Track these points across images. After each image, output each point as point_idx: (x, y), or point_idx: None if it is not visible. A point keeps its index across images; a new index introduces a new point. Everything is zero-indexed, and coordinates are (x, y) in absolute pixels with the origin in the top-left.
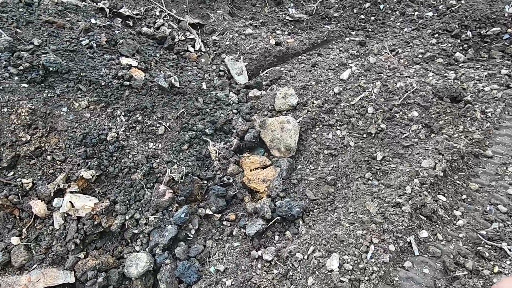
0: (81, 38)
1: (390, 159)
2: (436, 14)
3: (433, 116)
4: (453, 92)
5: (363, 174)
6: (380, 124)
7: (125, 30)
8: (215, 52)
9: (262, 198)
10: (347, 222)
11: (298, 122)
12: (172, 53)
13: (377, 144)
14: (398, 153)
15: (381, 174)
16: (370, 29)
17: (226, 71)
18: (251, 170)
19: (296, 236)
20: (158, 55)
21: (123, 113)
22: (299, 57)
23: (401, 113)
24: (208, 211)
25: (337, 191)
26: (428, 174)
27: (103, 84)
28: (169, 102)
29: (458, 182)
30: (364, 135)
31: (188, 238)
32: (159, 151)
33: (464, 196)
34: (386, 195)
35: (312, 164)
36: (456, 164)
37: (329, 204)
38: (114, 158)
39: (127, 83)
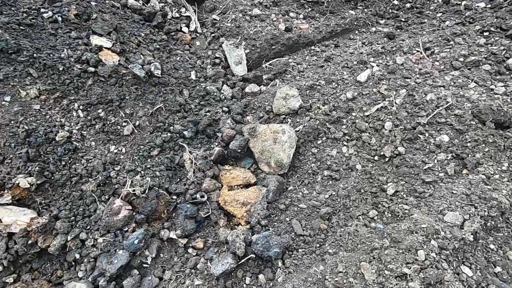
0: (43, 10)
1: (404, 196)
2: (490, 5)
3: (468, 144)
4: (500, 116)
5: (366, 210)
6: (398, 146)
7: (106, 1)
8: (213, 35)
9: (239, 224)
10: (332, 285)
11: (297, 131)
12: (162, 32)
13: (390, 172)
14: (415, 190)
15: (389, 215)
16: (403, 19)
17: (223, 59)
18: (229, 189)
19: (271, 284)
20: (142, 34)
21: (81, 107)
22: (312, 47)
23: (427, 134)
24: (173, 235)
25: (330, 229)
26: (452, 235)
27: (61, 69)
28: (144, 94)
29: (491, 247)
30: (376, 158)
31: (145, 266)
32: (121, 157)
33: (498, 269)
34: (389, 259)
35: (307, 186)
36: (493, 222)
37: (318, 245)
38: (63, 163)
39: (92, 69)
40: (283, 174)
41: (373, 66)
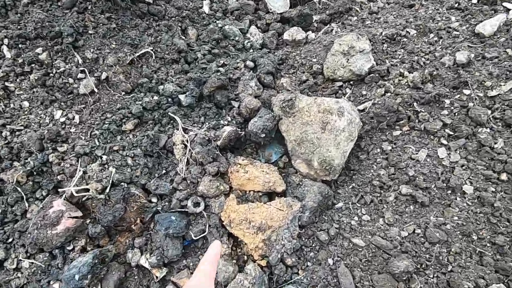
0: None
1: None
2: None
3: None
4: None
5: (484, 281)
6: None
7: None
8: None
9: (250, 257)
10: None
11: (362, 112)
12: None
13: None
14: None
15: None
16: None
17: None
18: (239, 201)
19: None
20: None
21: (8, 42)
22: None
23: None
24: (145, 261)
25: None
26: None
27: None
28: (121, 29)
29: None
30: (504, 177)
31: None
32: (72, 130)
33: None
34: None
35: (368, 208)
36: None
37: None
38: None
39: None
40: (331, 181)
41: (509, 10)
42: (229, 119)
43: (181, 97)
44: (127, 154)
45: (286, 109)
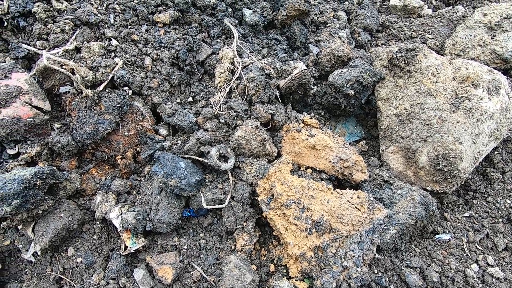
0: None
1: None
2: None
3: None
4: None
5: None
6: None
7: None
8: None
9: (285, 268)
10: None
11: None
12: None
13: None
14: None
15: None
16: None
17: None
18: (293, 171)
19: None
20: None
21: None
22: None
23: None
24: (116, 215)
25: None
26: None
27: None
28: None
29: None
30: None
31: None
32: None
33: None
34: None
35: (499, 257)
36: None
37: None
38: None
39: None
40: (440, 194)
41: None
42: (306, 61)
43: (247, 11)
44: (148, 52)
45: (399, 63)
